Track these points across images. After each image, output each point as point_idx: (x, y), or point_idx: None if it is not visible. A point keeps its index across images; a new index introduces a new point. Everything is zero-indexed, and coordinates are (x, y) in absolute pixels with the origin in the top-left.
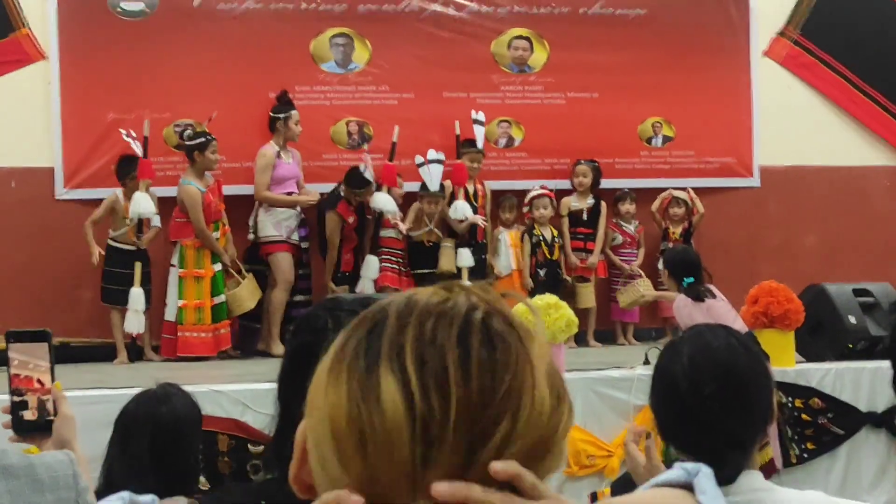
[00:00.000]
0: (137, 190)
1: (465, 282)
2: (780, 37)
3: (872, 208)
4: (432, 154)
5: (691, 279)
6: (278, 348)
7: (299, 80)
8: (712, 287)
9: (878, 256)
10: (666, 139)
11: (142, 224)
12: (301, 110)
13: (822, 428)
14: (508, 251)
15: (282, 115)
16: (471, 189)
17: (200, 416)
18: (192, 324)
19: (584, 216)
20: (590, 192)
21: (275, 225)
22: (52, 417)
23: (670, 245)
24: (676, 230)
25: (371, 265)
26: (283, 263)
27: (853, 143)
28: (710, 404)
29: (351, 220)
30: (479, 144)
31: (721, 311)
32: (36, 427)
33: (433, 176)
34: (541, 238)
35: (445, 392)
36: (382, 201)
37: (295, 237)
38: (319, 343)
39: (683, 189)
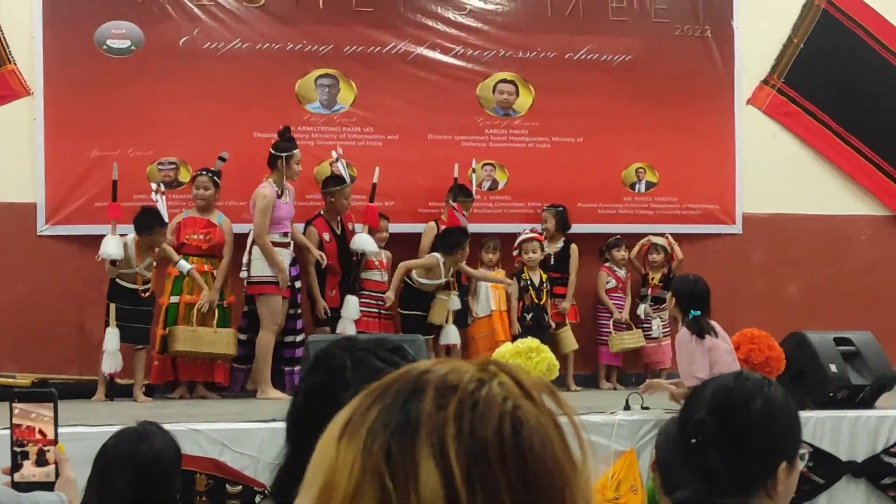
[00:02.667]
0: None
1: (502, 363)
2: (763, 85)
3: (854, 257)
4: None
5: (698, 312)
6: (270, 392)
7: (284, 121)
8: (715, 324)
9: (860, 305)
10: (649, 185)
11: (114, 265)
12: None
13: (802, 477)
14: (488, 292)
15: (284, 155)
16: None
17: (180, 454)
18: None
19: (552, 260)
20: (560, 236)
21: (269, 265)
22: (51, 477)
23: (650, 292)
24: (656, 276)
25: (350, 305)
26: (273, 305)
27: (836, 192)
28: (703, 431)
29: (326, 237)
30: (473, 190)
31: (721, 352)
32: (35, 487)
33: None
34: (528, 282)
35: (491, 488)
36: (363, 242)
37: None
38: (337, 383)
39: (662, 235)
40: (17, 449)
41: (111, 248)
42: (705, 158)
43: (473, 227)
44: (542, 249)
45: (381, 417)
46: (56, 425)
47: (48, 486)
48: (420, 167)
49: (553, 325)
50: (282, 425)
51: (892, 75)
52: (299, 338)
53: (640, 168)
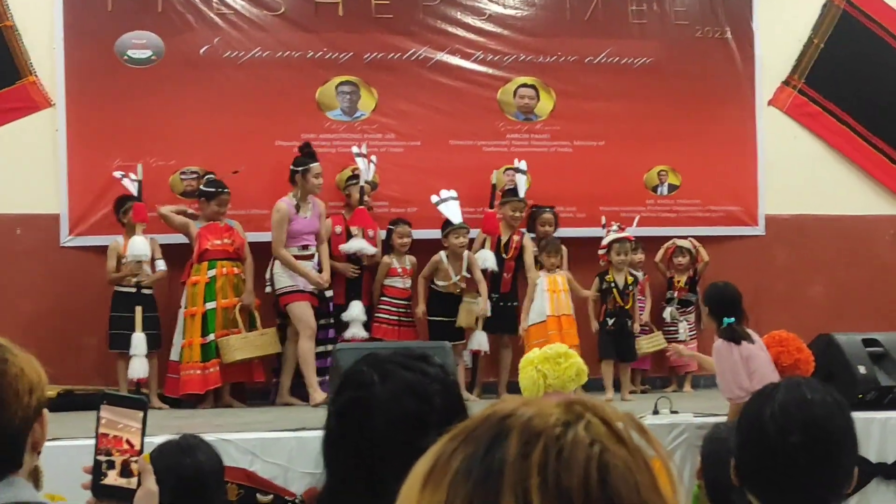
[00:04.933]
0: (134, 231)
1: (584, 396)
2: (784, 86)
3: (878, 257)
4: (444, 193)
5: (731, 319)
6: (318, 396)
7: (305, 128)
8: (750, 331)
9: (885, 305)
10: (672, 187)
11: (140, 266)
12: None
13: None
14: (544, 296)
15: (300, 169)
16: (504, 239)
17: (223, 467)
18: (185, 362)
19: None
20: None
21: (290, 276)
22: (133, 486)
23: (675, 295)
24: (681, 279)
25: (353, 308)
26: (300, 311)
27: (858, 192)
28: (796, 455)
29: (338, 229)
30: (521, 193)
31: (761, 360)
32: (116, 493)
33: (452, 210)
34: (612, 284)
35: None
36: (356, 245)
37: (311, 287)
38: (367, 398)
39: (686, 237)
40: (103, 458)
41: (140, 247)
42: (727, 160)
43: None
44: (633, 250)
45: (463, 466)
46: (143, 434)
47: (129, 494)
48: (442, 173)
49: (638, 331)
50: (311, 434)
51: None
52: (330, 347)
53: (663, 171)
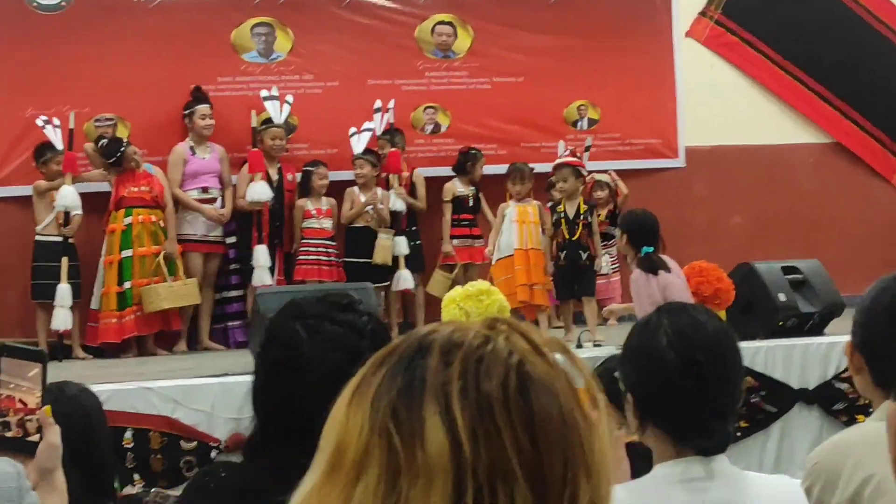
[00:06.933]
0: (61, 181)
1: (505, 318)
2: (701, 17)
3: (797, 186)
4: (366, 124)
5: (650, 249)
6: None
7: (221, 72)
8: (668, 259)
9: (806, 234)
10: (591, 122)
11: (68, 217)
12: (224, 101)
13: (754, 407)
14: (512, 227)
15: (186, 111)
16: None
17: (101, 405)
18: (103, 310)
19: (470, 202)
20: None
21: (190, 222)
22: (35, 438)
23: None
24: (602, 213)
25: (259, 254)
26: (191, 263)
27: (777, 121)
28: (700, 373)
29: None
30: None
31: (677, 287)
32: (17, 445)
33: (357, 141)
34: (562, 215)
35: (496, 444)
36: (257, 192)
37: (216, 233)
38: (296, 356)
39: (605, 171)
40: None
41: (72, 197)
42: (646, 93)
43: (425, 172)
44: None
45: (386, 379)
46: (44, 387)
47: (30, 446)
48: (361, 113)
49: (595, 264)
50: (233, 379)
51: (832, 2)
52: (234, 293)
53: (582, 105)
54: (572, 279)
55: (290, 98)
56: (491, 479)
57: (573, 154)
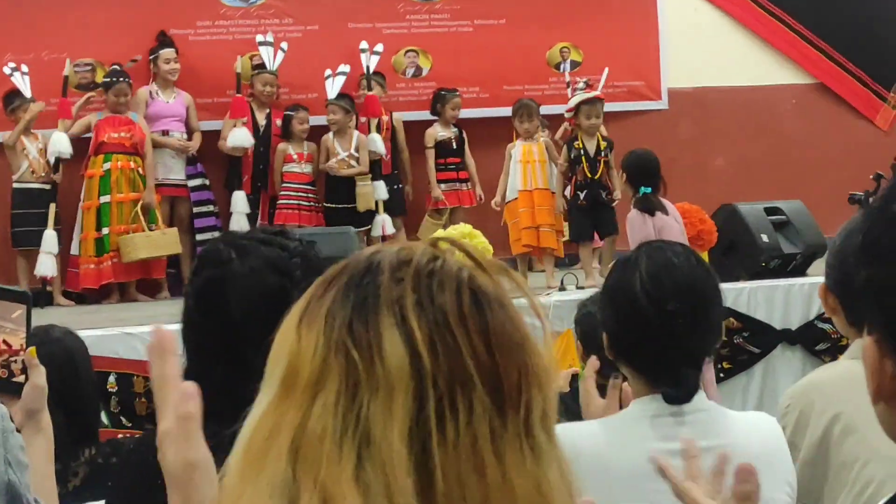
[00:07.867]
0: (28, 126)
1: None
2: None
3: (780, 127)
4: (340, 68)
5: (648, 189)
6: None
7: (200, 16)
8: (665, 201)
9: (788, 174)
10: (574, 64)
11: (58, 164)
12: (203, 46)
13: (737, 347)
14: (517, 168)
15: (151, 56)
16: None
17: (87, 351)
18: (82, 256)
19: (453, 145)
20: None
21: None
22: (20, 379)
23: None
24: None
25: (238, 199)
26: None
27: (760, 62)
28: (672, 320)
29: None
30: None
31: (674, 231)
32: (1, 386)
33: (330, 85)
34: (582, 152)
35: (454, 353)
36: (239, 138)
37: (178, 177)
38: (225, 276)
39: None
40: None
41: (64, 145)
42: (628, 35)
43: (407, 116)
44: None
45: (339, 298)
46: (28, 328)
47: (15, 387)
48: (341, 57)
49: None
50: None
51: None
52: (209, 235)
53: (565, 48)
54: (592, 219)
55: (284, 45)
56: (451, 389)
57: (589, 87)
